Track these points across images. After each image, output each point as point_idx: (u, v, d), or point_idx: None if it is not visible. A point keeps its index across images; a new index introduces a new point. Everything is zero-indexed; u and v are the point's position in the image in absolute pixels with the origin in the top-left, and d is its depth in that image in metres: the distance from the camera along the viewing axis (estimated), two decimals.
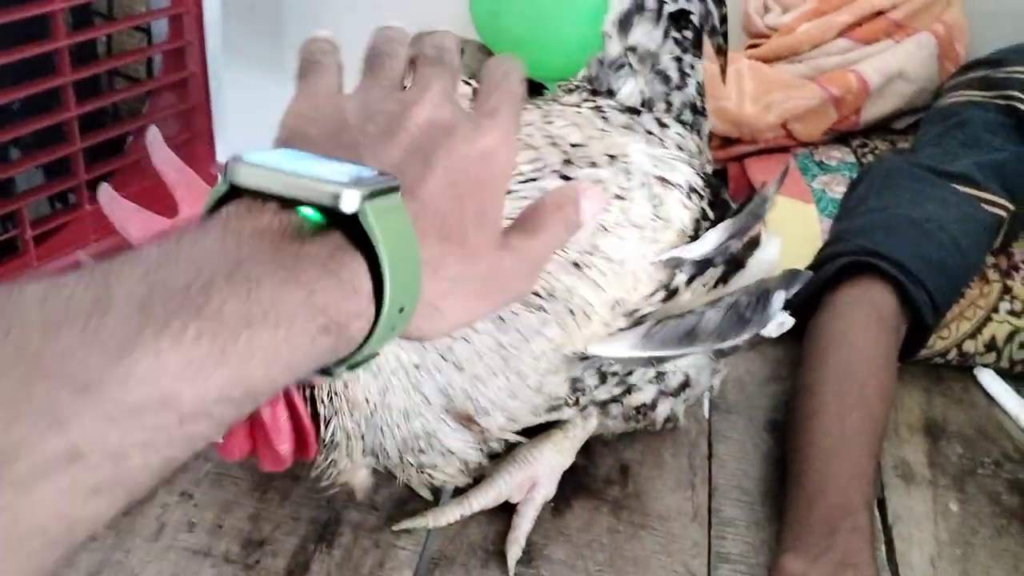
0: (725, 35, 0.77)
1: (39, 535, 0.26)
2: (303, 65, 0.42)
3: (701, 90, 0.77)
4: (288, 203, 0.33)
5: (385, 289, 0.33)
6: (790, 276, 0.60)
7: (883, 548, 0.71)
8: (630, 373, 0.59)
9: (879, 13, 1.11)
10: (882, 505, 0.74)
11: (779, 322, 0.59)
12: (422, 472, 0.58)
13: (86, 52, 1.09)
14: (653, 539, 0.68)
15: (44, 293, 0.28)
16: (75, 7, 1.03)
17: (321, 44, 0.43)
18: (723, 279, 0.60)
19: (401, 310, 0.34)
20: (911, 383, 0.88)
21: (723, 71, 0.81)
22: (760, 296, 0.58)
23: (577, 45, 1.19)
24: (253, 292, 0.30)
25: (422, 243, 0.35)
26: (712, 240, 0.57)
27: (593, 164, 0.56)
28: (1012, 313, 0.89)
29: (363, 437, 0.54)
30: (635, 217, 0.55)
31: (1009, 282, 0.90)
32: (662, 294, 0.55)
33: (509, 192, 0.52)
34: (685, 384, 0.63)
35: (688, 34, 0.74)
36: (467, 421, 0.55)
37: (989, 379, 0.89)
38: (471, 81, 0.70)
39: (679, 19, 0.73)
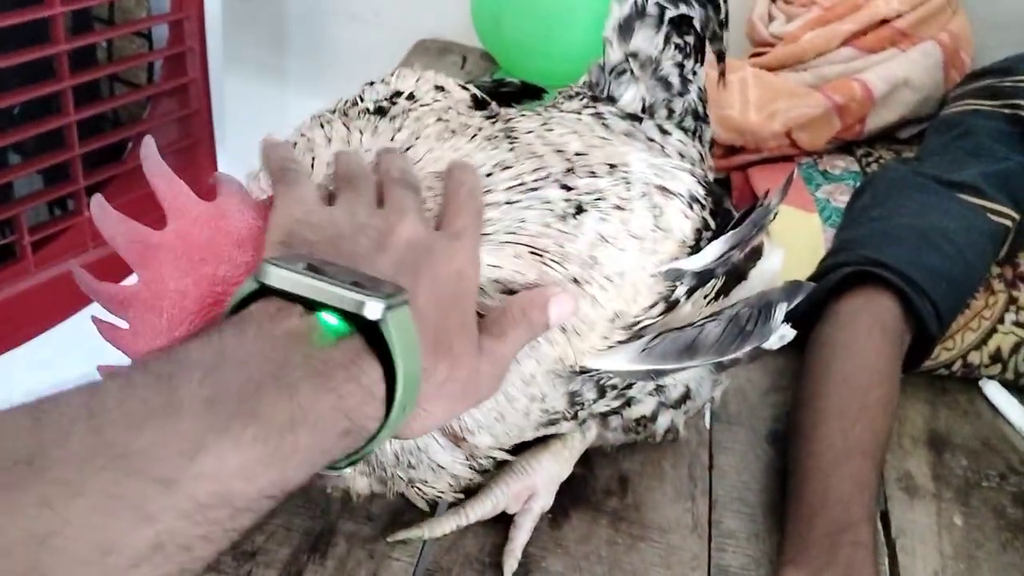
0: (725, 42, 0.77)
1: None
2: (277, 171, 0.46)
3: (703, 96, 0.76)
4: (311, 307, 0.36)
5: (397, 394, 0.37)
6: (792, 288, 0.59)
7: (886, 562, 0.70)
8: (629, 386, 0.58)
9: (884, 22, 1.10)
10: (885, 518, 0.73)
11: (780, 334, 0.58)
12: (412, 486, 0.57)
13: (86, 57, 1.09)
14: (652, 551, 0.67)
15: (121, 394, 0.31)
16: (75, 12, 1.02)
17: (286, 150, 0.49)
18: (724, 290, 0.59)
19: (403, 410, 0.38)
20: (915, 395, 0.87)
21: (722, 76, 0.80)
22: (762, 308, 0.57)
23: (579, 52, 1.19)
24: (295, 397, 0.33)
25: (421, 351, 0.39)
26: (713, 251, 0.56)
27: (593, 174, 0.55)
28: (1018, 324, 0.88)
29: None
30: (635, 228, 0.54)
31: (1015, 293, 0.89)
32: (662, 306, 0.54)
33: (510, 202, 0.52)
34: (686, 396, 0.62)
35: (690, 39, 0.73)
36: (456, 439, 0.54)
37: (994, 391, 0.88)
38: (468, 86, 0.69)
39: (680, 24, 0.72)
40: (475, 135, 0.57)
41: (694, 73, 0.74)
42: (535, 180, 0.54)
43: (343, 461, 0.38)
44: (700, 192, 0.58)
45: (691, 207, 0.57)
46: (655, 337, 0.54)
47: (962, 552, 0.71)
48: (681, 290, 0.55)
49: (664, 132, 0.68)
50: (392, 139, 0.56)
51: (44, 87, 0.98)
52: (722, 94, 1.03)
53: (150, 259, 0.43)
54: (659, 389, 0.61)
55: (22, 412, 0.30)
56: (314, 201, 0.44)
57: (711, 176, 0.74)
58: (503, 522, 0.65)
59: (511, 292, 0.49)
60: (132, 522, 0.29)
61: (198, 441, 0.30)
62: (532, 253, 0.51)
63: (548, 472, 0.64)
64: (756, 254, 0.61)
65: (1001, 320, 0.88)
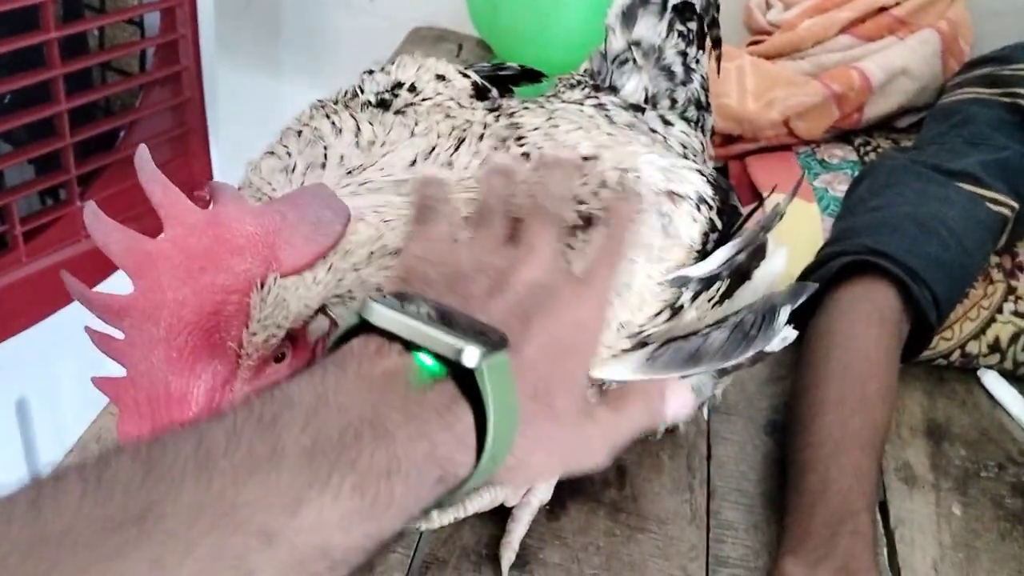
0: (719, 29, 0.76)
1: None
2: (419, 208, 0.45)
3: (706, 84, 0.75)
4: (409, 347, 0.36)
5: (488, 442, 0.36)
6: (796, 290, 0.59)
7: (885, 552, 0.69)
8: None
9: (882, 9, 1.10)
10: (884, 508, 0.73)
11: (783, 336, 0.57)
12: None
13: (77, 45, 1.08)
14: (650, 542, 0.66)
15: (227, 442, 0.31)
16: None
17: (436, 190, 0.47)
18: (728, 292, 0.58)
19: (494, 460, 0.37)
20: (914, 384, 0.87)
21: (718, 62, 0.79)
22: (766, 313, 0.56)
23: (574, 40, 1.18)
24: (391, 447, 0.33)
25: (519, 402, 0.38)
26: (719, 257, 0.55)
27: (603, 184, 0.54)
28: (1016, 314, 0.87)
29: None
30: (644, 238, 0.53)
31: (1014, 282, 0.89)
32: (667, 313, 0.54)
33: None
34: None
35: (693, 26, 0.72)
36: None
37: (993, 381, 0.87)
38: (469, 73, 0.68)
39: (683, 11, 0.71)
40: (482, 135, 0.56)
41: (697, 61, 0.73)
42: None
43: (432, 506, 0.37)
44: (708, 192, 0.57)
45: (699, 208, 0.56)
46: (660, 346, 0.53)
47: (960, 542, 0.71)
48: (686, 296, 0.54)
49: (667, 123, 0.67)
50: (405, 137, 0.54)
51: (35, 75, 0.96)
52: (720, 82, 1.02)
53: (147, 268, 0.42)
54: None
55: (131, 460, 0.30)
56: (443, 240, 0.43)
57: (711, 164, 0.74)
58: (501, 514, 0.64)
59: None
60: None
61: (300, 494, 0.30)
62: None
63: None
64: (760, 254, 0.60)
65: (1000, 310, 0.88)
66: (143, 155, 0.43)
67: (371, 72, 0.65)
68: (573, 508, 0.68)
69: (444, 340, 0.36)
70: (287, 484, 0.30)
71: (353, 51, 1.56)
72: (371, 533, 0.32)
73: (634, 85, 0.70)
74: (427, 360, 0.36)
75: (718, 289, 0.57)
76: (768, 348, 0.57)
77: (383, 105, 0.59)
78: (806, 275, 0.84)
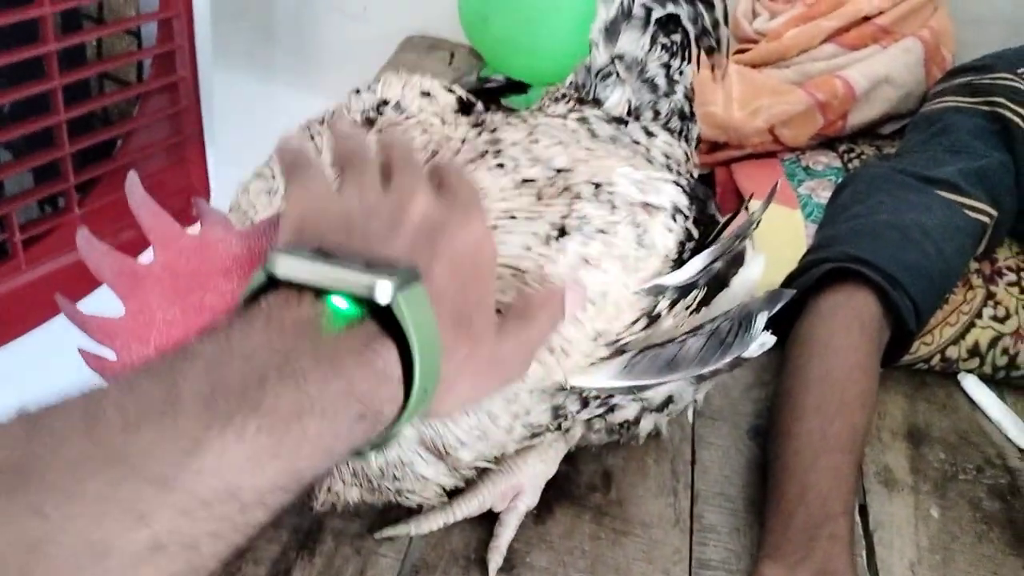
0: (719, 39, 0.77)
1: None
2: (289, 165, 0.45)
3: (690, 95, 0.76)
4: (321, 294, 0.36)
5: (415, 374, 0.36)
6: (773, 296, 0.61)
7: (864, 554, 0.71)
8: (612, 395, 0.59)
9: (866, 19, 1.12)
10: (864, 511, 0.75)
11: (761, 342, 0.59)
12: (400, 495, 0.58)
13: (75, 56, 1.09)
14: (635, 546, 0.68)
15: (120, 396, 0.31)
16: (64, 11, 1.02)
17: (296, 144, 0.47)
18: (706, 300, 0.60)
19: (424, 391, 0.37)
20: (894, 389, 0.89)
21: (714, 71, 0.80)
22: (742, 320, 0.58)
23: (564, 49, 1.20)
24: (301, 386, 0.33)
25: (439, 329, 0.38)
26: (696, 265, 0.57)
27: (578, 196, 0.56)
28: (995, 319, 0.89)
29: (349, 463, 0.55)
30: (618, 249, 0.55)
31: (992, 288, 0.91)
32: (644, 321, 0.55)
33: (494, 226, 0.53)
34: (668, 400, 0.64)
35: (677, 38, 0.74)
36: (440, 454, 0.55)
37: (972, 385, 0.89)
38: (455, 88, 0.70)
39: (667, 24, 0.73)
40: (459, 150, 0.57)
41: (681, 73, 0.75)
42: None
43: (367, 447, 0.38)
44: (684, 203, 0.59)
45: (674, 219, 0.58)
46: (637, 353, 0.55)
47: (938, 544, 0.73)
48: (663, 304, 0.56)
49: (649, 134, 0.69)
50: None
51: (34, 86, 0.98)
52: (705, 91, 1.04)
53: (137, 290, 0.43)
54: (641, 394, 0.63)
55: (18, 422, 0.30)
56: (324, 189, 0.43)
57: (696, 173, 0.76)
58: (489, 519, 0.66)
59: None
60: (126, 523, 0.28)
61: (197, 437, 0.30)
62: (513, 274, 0.52)
63: (534, 471, 0.65)
64: (738, 261, 0.62)
65: (979, 315, 0.90)
66: (132, 181, 0.44)
67: (357, 91, 0.66)
68: (559, 512, 0.70)
69: (355, 279, 0.36)
70: (182, 429, 0.30)
71: (346, 59, 1.57)
72: (285, 472, 0.32)
73: (617, 98, 0.72)
74: (341, 303, 0.36)
75: (695, 297, 0.59)
76: (746, 354, 0.59)
77: (368, 123, 0.61)
78: (789, 282, 0.86)
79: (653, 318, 0.56)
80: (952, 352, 0.89)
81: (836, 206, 0.94)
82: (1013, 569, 0.72)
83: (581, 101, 0.71)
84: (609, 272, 0.54)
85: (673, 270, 0.57)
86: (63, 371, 1.18)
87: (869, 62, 1.10)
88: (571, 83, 0.75)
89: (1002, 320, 0.89)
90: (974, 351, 0.89)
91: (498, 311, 0.44)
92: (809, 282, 0.83)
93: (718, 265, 0.58)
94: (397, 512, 0.66)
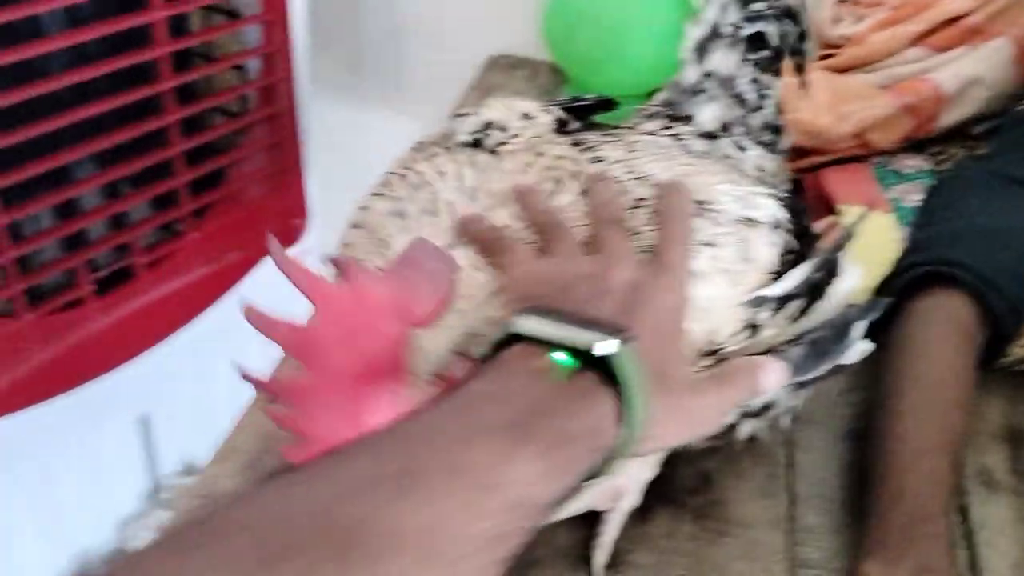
0: (804, 51, 0.79)
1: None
2: (488, 244, 0.55)
3: (779, 108, 0.78)
4: (551, 348, 0.44)
5: (630, 415, 0.44)
6: (870, 305, 0.62)
7: (965, 555, 0.72)
8: None
9: (953, 20, 1.11)
10: (964, 512, 0.75)
11: (858, 350, 0.61)
12: None
13: (186, 91, 1.17)
14: (735, 545, 0.70)
15: (440, 421, 0.40)
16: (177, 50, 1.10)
17: (481, 222, 0.56)
18: (804, 310, 0.62)
19: (634, 433, 0.44)
20: (993, 391, 0.88)
21: (802, 85, 0.82)
22: (841, 329, 0.60)
23: (649, 63, 1.23)
24: (556, 423, 0.41)
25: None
26: (795, 277, 0.59)
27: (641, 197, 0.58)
28: None
29: None
30: (723, 263, 0.57)
31: None
32: (746, 333, 0.58)
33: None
34: (767, 407, 0.65)
35: (765, 53, 0.76)
36: None
37: None
38: (551, 108, 0.73)
39: (755, 41, 0.75)
40: (573, 172, 0.60)
41: (769, 87, 0.77)
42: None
43: (590, 474, 0.44)
44: (783, 217, 0.61)
45: (775, 232, 0.60)
46: None
47: None
48: (764, 315, 0.58)
49: (741, 148, 0.71)
50: (502, 175, 0.60)
51: (154, 122, 1.06)
52: (791, 97, 1.05)
53: (310, 349, 0.47)
54: None
55: (389, 435, 0.39)
56: (531, 259, 0.52)
57: (787, 185, 0.77)
58: (592, 519, 0.69)
59: None
60: (469, 518, 0.36)
61: (507, 455, 0.38)
62: None
63: (636, 473, 0.68)
64: (835, 272, 0.63)
65: None
66: (275, 247, 0.48)
67: (461, 115, 0.69)
68: (660, 513, 0.72)
69: (581, 337, 0.44)
70: (497, 449, 0.38)
71: (432, 81, 1.62)
72: (555, 490, 0.40)
73: (709, 114, 0.74)
74: (562, 356, 0.44)
75: (795, 307, 0.61)
76: (844, 362, 0.61)
77: (476, 144, 0.64)
78: (883, 286, 0.87)
79: (754, 328, 0.58)
80: None
81: (929, 209, 0.94)
82: None
83: (672, 118, 0.74)
84: (715, 285, 0.56)
85: (773, 282, 0.59)
86: (182, 384, 1.27)
87: (958, 63, 1.09)
88: (662, 100, 0.77)
89: None
90: None
91: None
92: (903, 286, 0.84)
93: (816, 276, 0.60)
94: None
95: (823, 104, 1.10)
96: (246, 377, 0.49)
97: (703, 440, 0.68)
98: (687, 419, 0.49)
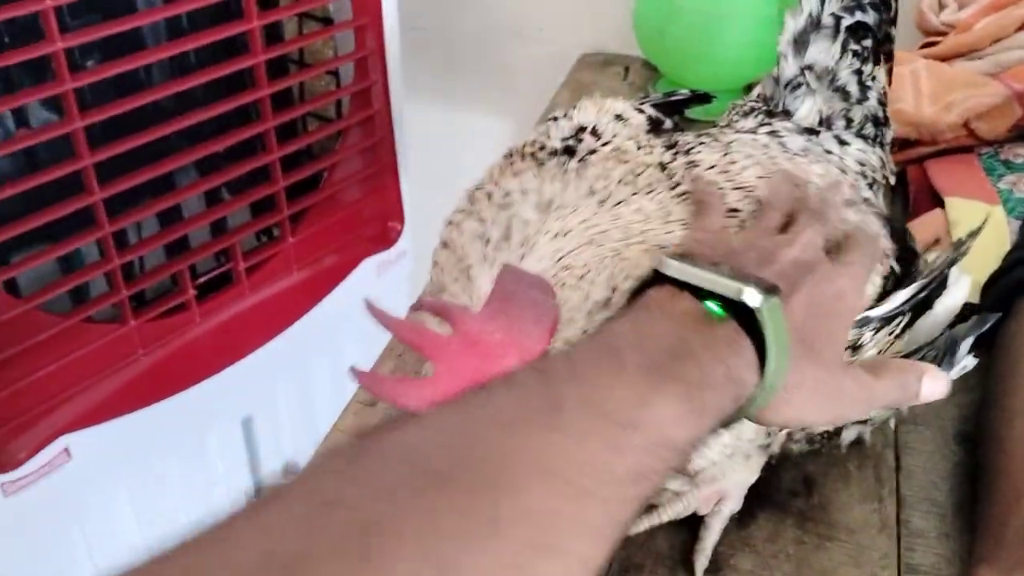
0: (893, 41, 0.76)
1: (605, 522, 0.36)
2: (697, 203, 0.56)
3: (883, 99, 0.76)
4: (698, 294, 0.45)
5: (768, 369, 0.44)
6: (978, 322, 0.60)
7: None
8: None
9: None
10: None
11: (961, 366, 0.59)
12: None
13: (282, 97, 1.20)
14: (840, 550, 0.69)
15: (587, 361, 0.40)
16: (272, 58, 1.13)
17: (709, 184, 0.58)
18: (909, 324, 0.60)
19: (771, 388, 0.44)
20: None
21: (889, 75, 0.79)
22: (948, 347, 0.58)
23: (743, 56, 1.21)
24: (699, 365, 0.41)
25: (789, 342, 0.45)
26: (901, 298, 0.58)
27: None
28: None
29: None
30: None
31: None
32: (848, 353, 0.56)
33: None
34: None
35: (867, 43, 0.73)
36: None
37: None
38: (644, 108, 0.72)
39: (857, 30, 0.73)
40: (665, 176, 0.59)
41: (873, 78, 0.74)
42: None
43: (727, 421, 0.44)
44: (888, 245, 0.60)
45: (879, 264, 0.58)
46: None
47: None
48: (868, 336, 0.56)
49: (843, 143, 0.69)
50: (583, 192, 0.58)
51: (251, 128, 1.08)
52: (894, 87, 1.02)
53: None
54: None
55: (532, 370, 0.40)
56: (717, 229, 0.53)
57: (892, 180, 0.75)
58: (693, 523, 0.68)
59: None
60: (608, 453, 0.37)
61: (645, 397, 0.38)
62: None
63: (737, 477, 0.67)
64: (942, 284, 0.62)
65: None
66: (374, 309, 0.48)
67: (555, 119, 0.69)
68: (762, 517, 0.71)
69: (729, 284, 0.44)
70: (637, 390, 0.39)
71: (525, 80, 1.63)
72: (693, 433, 0.40)
73: (808, 108, 0.72)
74: (712, 306, 0.44)
75: (898, 323, 0.59)
76: (949, 376, 0.59)
77: (568, 152, 0.63)
78: (992, 282, 0.84)
79: (856, 348, 0.56)
80: None
81: None
82: None
83: (770, 114, 0.72)
84: None
85: (877, 303, 0.58)
86: (283, 386, 1.30)
87: None
88: (759, 95, 0.76)
89: None
90: None
91: None
92: (1014, 282, 0.80)
93: (922, 295, 0.58)
94: None
95: (927, 94, 1.07)
96: (364, 385, 0.48)
97: (805, 444, 0.67)
98: (833, 396, 0.48)
